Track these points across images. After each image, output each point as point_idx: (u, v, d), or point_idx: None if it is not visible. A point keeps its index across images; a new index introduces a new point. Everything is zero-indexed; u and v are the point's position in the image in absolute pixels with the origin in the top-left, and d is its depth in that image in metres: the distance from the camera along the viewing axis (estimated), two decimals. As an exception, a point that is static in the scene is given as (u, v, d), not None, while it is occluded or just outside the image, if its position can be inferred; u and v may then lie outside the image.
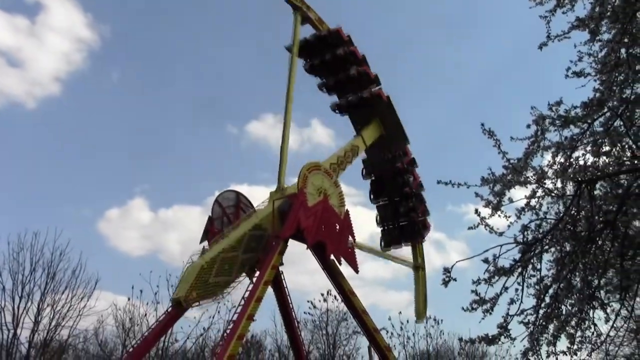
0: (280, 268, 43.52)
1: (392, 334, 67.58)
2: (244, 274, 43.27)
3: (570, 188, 11.26)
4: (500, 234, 11.08)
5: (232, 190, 47.29)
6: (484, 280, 10.54)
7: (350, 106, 54.39)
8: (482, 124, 11.28)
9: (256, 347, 70.23)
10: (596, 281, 11.24)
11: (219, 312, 55.17)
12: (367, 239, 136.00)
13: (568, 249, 11.33)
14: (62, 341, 50.78)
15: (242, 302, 38.24)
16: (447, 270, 10.38)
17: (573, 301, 11.20)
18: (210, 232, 44.00)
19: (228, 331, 37.60)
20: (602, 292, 11.46)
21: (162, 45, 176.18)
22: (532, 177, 11.21)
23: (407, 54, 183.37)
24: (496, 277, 10.61)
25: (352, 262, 45.44)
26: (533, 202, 11.26)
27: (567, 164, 11.13)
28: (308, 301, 69.75)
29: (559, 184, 11.39)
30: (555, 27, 11.53)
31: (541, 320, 10.98)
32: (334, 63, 53.28)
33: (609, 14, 10.90)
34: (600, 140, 11.09)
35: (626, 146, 11.32)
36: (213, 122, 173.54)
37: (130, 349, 37.23)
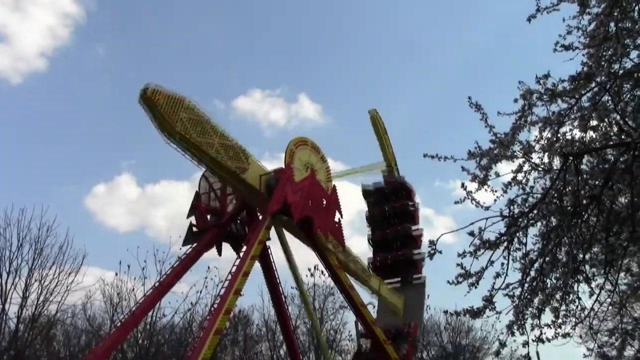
0: (268, 243, 43.56)
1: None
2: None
3: (557, 163, 11.23)
4: (487, 208, 11.06)
5: (219, 165, 47.00)
6: (469, 253, 10.54)
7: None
8: (469, 98, 11.23)
9: (244, 321, 70.49)
10: (581, 255, 11.26)
11: (206, 286, 55.53)
12: (355, 215, 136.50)
13: (554, 223, 11.33)
14: (50, 316, 50.87)
15: (230, 277, 38.26)
16: (432, 243, 10.38)
17: (558, 275, 11.23)
18: (198, 208, 43.93)
19: (215, 306, 37.62)
20: (586, 266, 11.48)
21: (148, 20, 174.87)
22: (519, 151, 11.16)
23: (393, 28, 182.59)
24: (482, 250, 10.60)
25: (339, 237, 45.54)
26: (520, 176, 11.24)
27: (555, 139, 11.09)
28: (295, 276, 70.05)
29: (545, 159, 11.37)
30: (545, 0, 11.46)
31: (526, 294, 11.00)
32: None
33: (599, -15, 10.83)
34: (587, 115, 11.05)
35: (613, 122, 11.27)
36: (200, 97, 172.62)
37: (118, 324, 37.19)
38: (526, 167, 11.24)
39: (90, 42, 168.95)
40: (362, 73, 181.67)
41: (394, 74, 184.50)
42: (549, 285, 11.25)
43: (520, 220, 11.01)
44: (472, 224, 10.71)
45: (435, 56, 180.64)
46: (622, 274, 12.51)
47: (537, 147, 11.19)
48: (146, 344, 53.69)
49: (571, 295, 11.36)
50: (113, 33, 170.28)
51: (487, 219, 10.74)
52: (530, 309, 11.03)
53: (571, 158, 10.49)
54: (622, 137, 10.89)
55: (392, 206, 57.09)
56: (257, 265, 41.98)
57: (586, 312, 11.57)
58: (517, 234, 11.10)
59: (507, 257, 10.93)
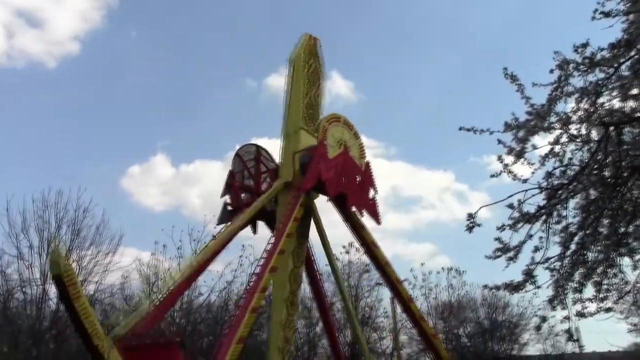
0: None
1: (414, 285, 68.08)
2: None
3: (595, 135, 10.96)
4: (524, 180, 10.86)
5: (252, 143, 46.97)
6: (508, 226, 10.36)
7: None
8: (505, 68, 11.02)
9: (279, 299, 70.66)
10: (623, 228, 11.01)
11: (241, 265, 55.73)
12: (389, 191, 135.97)
13: (594, 196, 11.09)
14: (89, 296, 51.43)
15: (265, 255, 38.34)
16: (470, 216, 10.19)
17: (600, 248, 11.00)
18: (232, 186, 44.03)
19: (251, 284, 37.72)
20: (630, 239, 11.21)
21: (179, 2, 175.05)
22: (556, 123, 10.91)
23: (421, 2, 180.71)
24: (520, 223, 10.41)
25: (374, 213, 45.27)
26: (557, 148, 11.01)
27: (592, 109, 10.82)
28: (330, 253, 70.11)
29: (583, 130, 11.09)
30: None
31: (567, 268, 10.80)
32: None
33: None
34: (628, 84, 10.74)
35: (656, 89, 10.94)
36: (232, 76, 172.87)
37: (157, 302, 37.47)
38: (564, 139, 11.02)
39: (122, 25, 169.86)
40: (392, 47, 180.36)
41: (423, 48, 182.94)
42: (590, 259, 11.04)
43: (559, 192, 10.78)
44: (511, 196, 10.54)
45: (465, 27, 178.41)
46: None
47: (574, 118, 10.93)
48: (183, 322, 54.23)
49: (614, 269, 11.14)
50: (145, 15, 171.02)
51: (525, 191, 10.55)
52: (571, 283, 10.83)
53: (612, 128, 10.22)
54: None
55: None
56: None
57: (629, 286, 11.35)
58: (557, 207, 10.88)
59: (546, 231, 10.73)
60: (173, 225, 64.12)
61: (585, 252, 10.94)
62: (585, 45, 10.66)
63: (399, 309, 53.23)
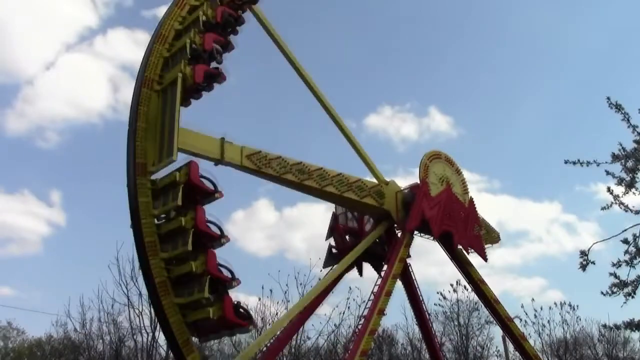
0: (408, 261, 43.17)
1: (525, 322, 66.25)
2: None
3: None
4: (637, 212, 10.48)
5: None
6: (624, 262, 9.97)
7: None
8: (608, 98, 10.75)
9: (388, 341, 70.23)
10: None
11: (348, 307, 55.76)
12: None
13: None
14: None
15: (372, 297, 38.17)
16: (583, 254, 9.88)
17: None
18: (336, 229, 44.18)
19: (359, 327, 37.60)
20: None
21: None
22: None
23: (516, 29, 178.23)
24: (638, 258, 10.01)
25: (480, 250, 44.49)
26: (671, 176, 10.59)
27: None
28: (438, 292, 69.28)
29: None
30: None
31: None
32: None
33: None
34: None
35: None
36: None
37: (264, 348, 37.83)
38: (677, 166, 10.57)
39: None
40: (489, 80, 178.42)
41: (521, 78, 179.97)
42: None
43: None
44: (625, 230, 10.17)
45: (564, 55, 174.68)
46: None
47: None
48: (292, 367, 54.49)
49: None
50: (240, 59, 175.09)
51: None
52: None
53: None
54: None
55: None
56: (398, 283, 41.70)
57: None
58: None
59: (665, 264, 10.27)
60: (279, 270, 64.82)
61: None
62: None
63: (511, 347, 51.92)
